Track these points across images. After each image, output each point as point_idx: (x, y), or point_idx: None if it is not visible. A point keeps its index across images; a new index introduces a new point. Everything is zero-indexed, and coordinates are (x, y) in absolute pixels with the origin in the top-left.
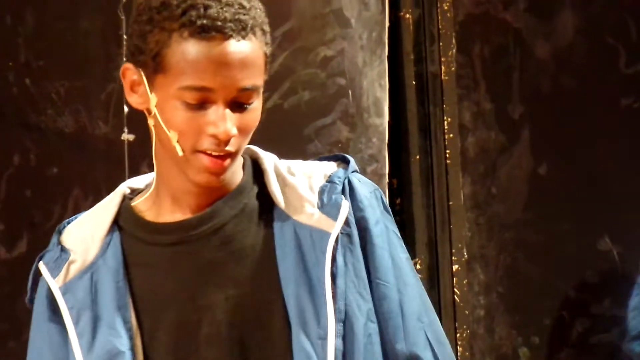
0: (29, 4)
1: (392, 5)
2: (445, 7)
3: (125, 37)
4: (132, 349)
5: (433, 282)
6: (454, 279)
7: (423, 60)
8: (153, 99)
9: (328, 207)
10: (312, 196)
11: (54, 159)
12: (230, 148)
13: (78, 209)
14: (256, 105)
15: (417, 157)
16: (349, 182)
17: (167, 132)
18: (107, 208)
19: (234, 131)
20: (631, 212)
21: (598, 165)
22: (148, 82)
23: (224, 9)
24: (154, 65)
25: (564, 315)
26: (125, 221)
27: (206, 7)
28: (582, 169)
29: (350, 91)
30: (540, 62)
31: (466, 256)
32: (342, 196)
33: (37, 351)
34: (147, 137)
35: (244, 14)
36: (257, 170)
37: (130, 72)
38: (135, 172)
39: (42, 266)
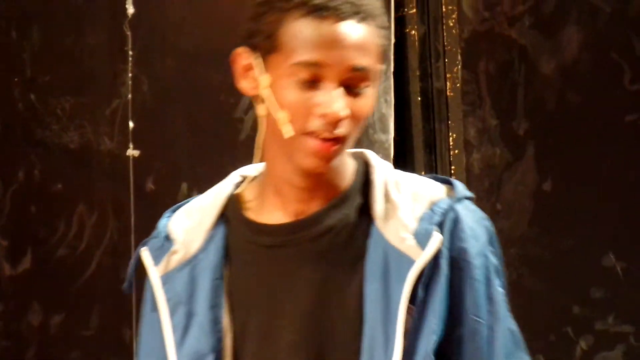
0: (35, 20)
1: (397, 22)
2: (451, 24)
3: (130, 52)
4: (221, 351)
5: None
6: None
7: (428, 77)
8: (266, 79)
9: (421, 236)
10: (410, 220)
11: (59, 174)
12: (339, 131)
13: (83, 225)
14: (370, 92)
15: (423, 172)
16: (455, 210)
17: (279, 112)
18: (217, 197)
19: (345, 112)
20: (635, 228)
21: (602, 181)
22: (261, 63)
23: None
24: (268, 45)
25: (568, 331)
26: (231, 215)
27: None
28: (586, 185)
29: None
30: (545, 78)
31: None
32: (437, 228)
33: (146, 341)
34: (152, 153)
35: (359, 1)
36: (366, 179)
37: (241, 57)
38: (140, 188)
39: (145, 253)
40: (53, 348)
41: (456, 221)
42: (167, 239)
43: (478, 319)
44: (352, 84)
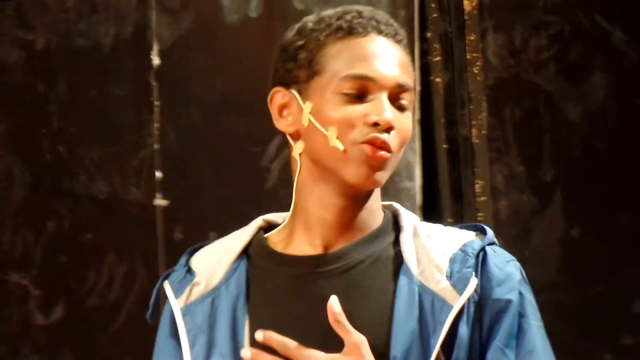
0: (61, 72)
1: (422, 70)
2: (475, 71)
3: (156, 103)
4: None
5: None
6: None
7: (454, 124)
8: (307, 107)
9: (456, 279)
10: (443, 262)
11: (88, 224)
12: (389, 141)
13: (112, 275)
14: (409, 115)
15: (450, 220)
16: (484, 253)
17: (325, 132)
18: (239, 237)
19: (395, 122)
20: None
21: (631, 227)
22: (300, 95)
23: (378, 15)
24: (307, 73)
25: None
26: (255, 250)
27: (359, 12)
28: (615, 231)
29: None
30: (572, 125)
31: None
32: (473, 272)
33: None
34: (179, 202)
35: (397, 25)
36: (395, 225)
37: (278, 95)
38: (168, 237)
39: (166, 285)
40: None
41: (485, 262)
42: (189, 272)
43: (504, 348)
44: (395, 100)
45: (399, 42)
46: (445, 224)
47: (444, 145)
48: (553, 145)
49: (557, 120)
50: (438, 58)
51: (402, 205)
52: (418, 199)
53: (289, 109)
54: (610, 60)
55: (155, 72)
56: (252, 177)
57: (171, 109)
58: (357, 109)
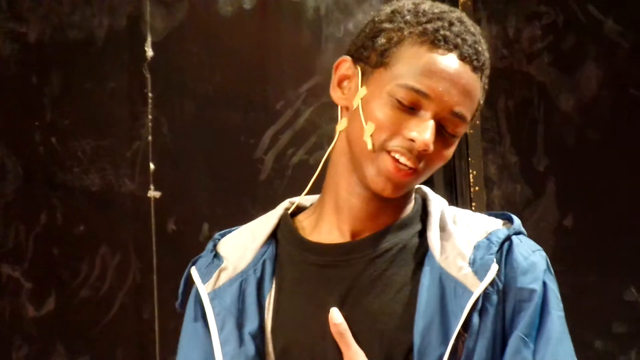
0: (54, 64)
1: None
2: None
3: (150, 95)
4: None
5: None
6: None
7: None
8: (362, 91)
9: (478, 266)
10: (467, 249)
11: (81, 216)
12: (418, 165)
13: (105, 267)
14: (455, 142)
15: None
16: (510, 242)
17: (364, 124)
18: (267, 220)
19: (432, 147)
20: None
21: (623, 217)
22: (363, 76)
23: (468, 34)
24: (377, 60)
25: None
26: (282, 234)
27: (451, 24)
28: (607, 221)
29: None
30: (565, 115)
31: None
32: (494, 258)
33: (185, 353)
34: (173, 194)
35: (481, 49)
36: (423, 211)
37: (344, 65)
38: (161, 229)
39: (193, 271)
40: None
41: (510, 251)
42: (217, 257)
43: (524, 337)
44: (445, 126)
45: (476, 68)
46: None
47: None
48: (546, 136)
49: (550, 111)
50: None
51: None
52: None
53: (349, 83)
54: (603, 50)
55: (148, 64)
56: (245, 168)
57: (165, 101)
58: (402, 117)
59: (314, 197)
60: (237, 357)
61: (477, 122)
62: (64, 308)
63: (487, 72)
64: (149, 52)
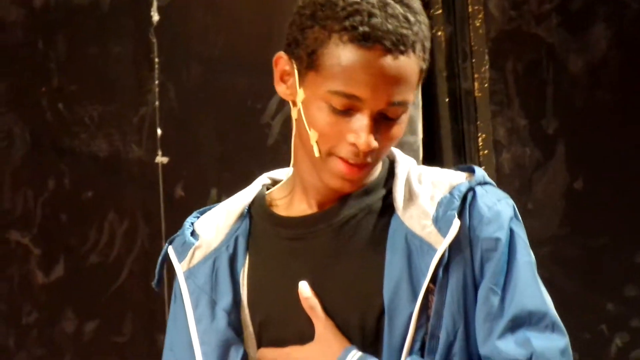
0: (61, 30)
1: None
2: (477, 24)
3: (156, 60)
4: (243, 340)
5: None
6: None
7: (456, 77)
8: (301, 94)
9: (441, 222)
10: (430, 207)
11: (89, 183)
12: (368, 159)
13: (114, 233)
14: (403, 118)
15: None
16: (474, 192)
17: (308, 130)
18: (242, 197)
19: (375, 144)
20: None
21: (634, 179)
22: (299, 76)
23: (388, 20)
24: (308, 62)
25: (603, 329)
26: (255, 210)
27: (370, 15)
28: (617, 183)
29: None
30: (574, 76)
31: None
32: (455, 213)
33: (171, 335)
34: (181, 159)
35: (407, 29)
36: (390, 173)
37: (283, 62)
38: (169, 194)
39: (170, 250)
40: (87, 355)
41: (474, 202)
42: (193, 235)
43: (493, 287)
44: (386, 114)
45: (405, 51)
46: None
47: (445, 99)
48: (555, 98)
49: (559, 73)
50: (439, 11)
51: None
52: (420, 153)
53: (289, 78)
54: (612, 11)
55: (154, 28)
56: (253, 133)
57: (171, 65)
58: (340, 123)
59: (289, 170)
60: (209, 333)
61: (486, 85)
62: (73, 274)
63: (420, 43)
64: (155, 17)
